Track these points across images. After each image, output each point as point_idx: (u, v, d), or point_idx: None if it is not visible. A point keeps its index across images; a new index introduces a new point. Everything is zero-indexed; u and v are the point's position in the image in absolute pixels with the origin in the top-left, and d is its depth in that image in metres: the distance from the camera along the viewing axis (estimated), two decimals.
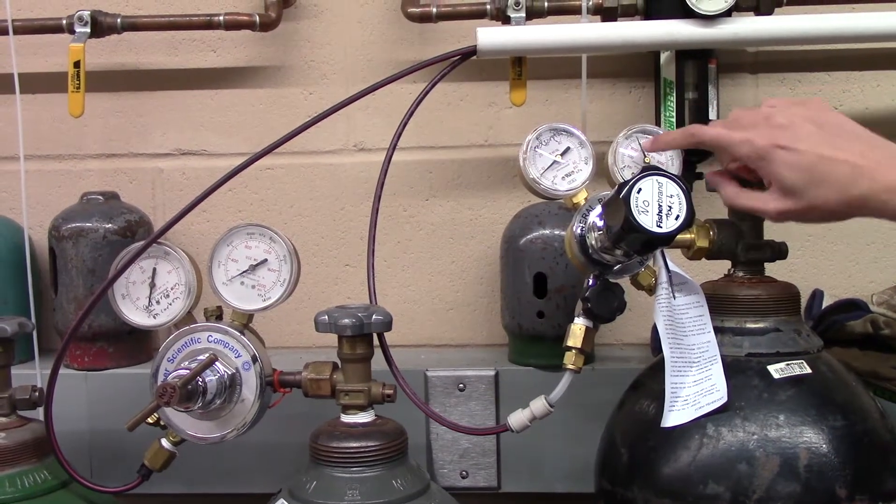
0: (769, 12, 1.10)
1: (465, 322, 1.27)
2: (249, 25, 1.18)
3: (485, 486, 1.14)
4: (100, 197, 1.19)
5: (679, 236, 0.82)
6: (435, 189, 1.26)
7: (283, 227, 1.23)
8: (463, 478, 1.14)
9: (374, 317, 0.91)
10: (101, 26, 1.16)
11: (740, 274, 0.94)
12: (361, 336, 0.92)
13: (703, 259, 0.94)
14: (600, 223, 0.85)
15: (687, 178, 0.94)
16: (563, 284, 1.10)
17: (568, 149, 0.93)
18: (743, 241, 0.93)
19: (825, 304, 1.16)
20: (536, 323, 1.12)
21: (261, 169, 1.26)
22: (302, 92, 1.26)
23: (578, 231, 0.88)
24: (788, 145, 0.78)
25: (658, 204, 0.79)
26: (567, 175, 0.92)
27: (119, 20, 1.17)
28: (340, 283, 1.27)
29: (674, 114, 1.13)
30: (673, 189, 0.79)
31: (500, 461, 1.14)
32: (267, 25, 1.19)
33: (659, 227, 0.78)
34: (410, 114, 1.04)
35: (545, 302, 1.11)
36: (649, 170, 0.80)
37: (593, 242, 0.86)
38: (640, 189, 0.79)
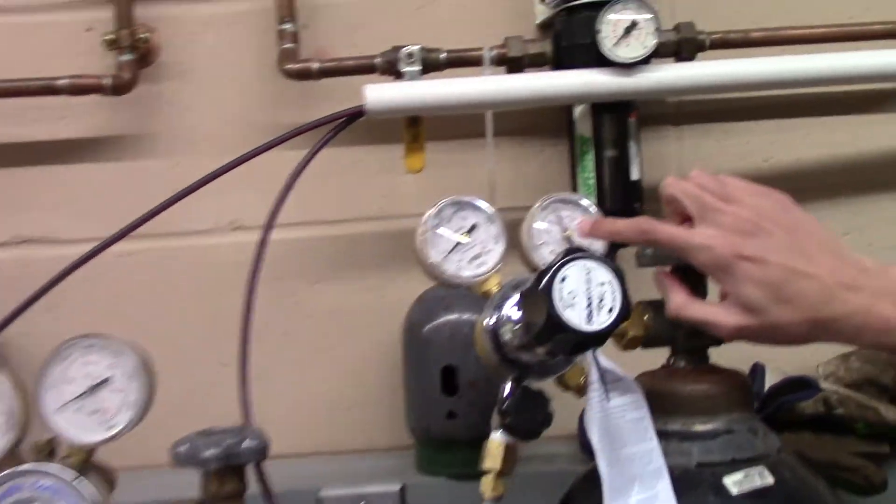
0: (690, 58, 0.98)
1: (366, 424, 1.10)
2: (98, 89, 1.01)
3: None
4: None
5: None
6: (326, 270, 1.10)
7: (146, 322, 1.07)
8: None
9: (245, 443, 0.75)
10: None
11: (682, 364, 0.80)
12: (231, 469, 0.75)
13: (638, 348, 0.80)
14: (517, 316, 0.71)
15: (612, 249, 0.80)
16: (475, 378, 0.95)
17: (474, 226, 0.78)
18: (682, 326, 0.79)
19: (768, 380, 1.03)
20: (447, 425, 0.96)
21: (118, 255, 1.08)
22: (166, 164, 1.09)
23: (491, 325, 0.73)
24: (755, 255, 0.67)
25: (587, 296, 0.64)
26: (475, 258, 0.77)
27: None
28: (218, 386, 1.08)
29: (592, 174, 1.00)
30: (604, 275, 0.65)
31: None
32: (120, 89, 1.02)
33: (589, 323, 0.64)
34: (289, 187, 0.89)
35: (456, 400, 0.95)
36: (574, 252, 0.65)
37: (509, 339, 0.72)
38: (564, 277, 0.64)
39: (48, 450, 0.77)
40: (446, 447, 0.97)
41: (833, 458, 0.93)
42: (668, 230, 0.72)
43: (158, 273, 1.10)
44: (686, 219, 0.73)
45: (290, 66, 1.01)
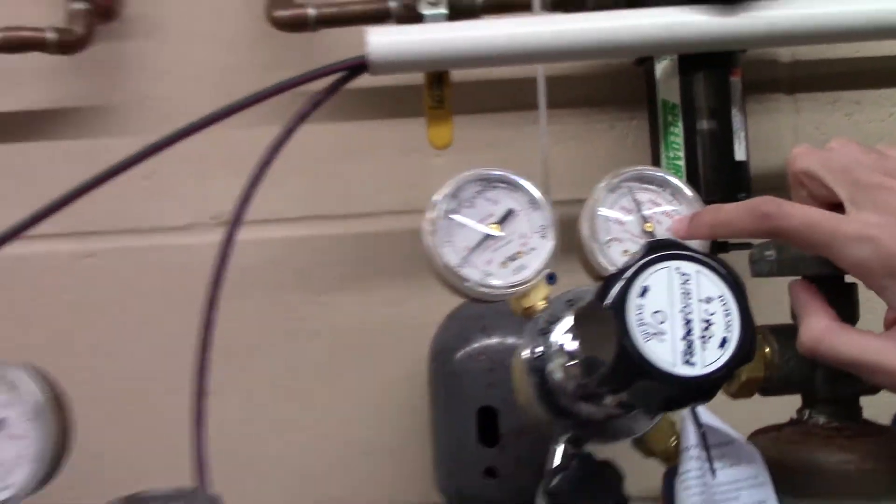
0: None
1: (385, 473, 0.87)
2: (39, 45, 0.79)
3: None
4: None
5: None
6: (335, 278, 0.87)
7: (110, 337, 0.90)
8: None
9: None
10: None
11: (821, 420, 0.55)
12: None
13: (756, 395, 0.55)
14: (574, 348, 0.46)
15: (715, 250, 0.55)
16: (523, 425, 0.70)
17: (510, 212, 0.54)
18: (822, 365, 0.53)
19: None
20: (484, 486, 0.72)
21: (78, 257, 0.87)
22: (135, 142, 0.86)
23: (534, 360, 0.49)
24: None
25: (684, 318, 0.40)
26: (510, 259, 0.53)
27: None
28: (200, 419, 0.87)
29: (680, 153, 0.75)
30: (712, 286, 0.41)
31: None
32: (69, 46, 0.80)
33: (689, 365, 0.39)
34: (265, 163, 0.67)
35: (496, 453, 0.72)
36: (661, 248, 0.41)
37: (560, 380, 0.48)
38: (645, 289, 0.40)
39: None
40: None
41: None
42: (806, 212, 0.47)
43: (126, 278, 0.88)
44: (827, 206, 0.48)
45: (280, 13, 0.78)
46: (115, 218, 0.86)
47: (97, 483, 0.75)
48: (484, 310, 0.76)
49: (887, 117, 0.85)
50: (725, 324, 0.40)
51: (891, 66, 0.85)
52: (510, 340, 0.73)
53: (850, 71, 0.85)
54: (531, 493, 0.70)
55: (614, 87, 0.86)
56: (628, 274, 0.40)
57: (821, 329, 0.48)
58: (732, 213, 0.50)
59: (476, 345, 0.74)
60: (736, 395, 0.55)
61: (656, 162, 0.78)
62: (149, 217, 0.87)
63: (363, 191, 0.88)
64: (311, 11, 0.77)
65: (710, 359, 0.40)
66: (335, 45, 0.84)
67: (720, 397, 0.55)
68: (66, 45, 0.80)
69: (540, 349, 0.49)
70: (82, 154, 0.88)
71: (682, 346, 0.39)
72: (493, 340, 0.74)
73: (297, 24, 0.78)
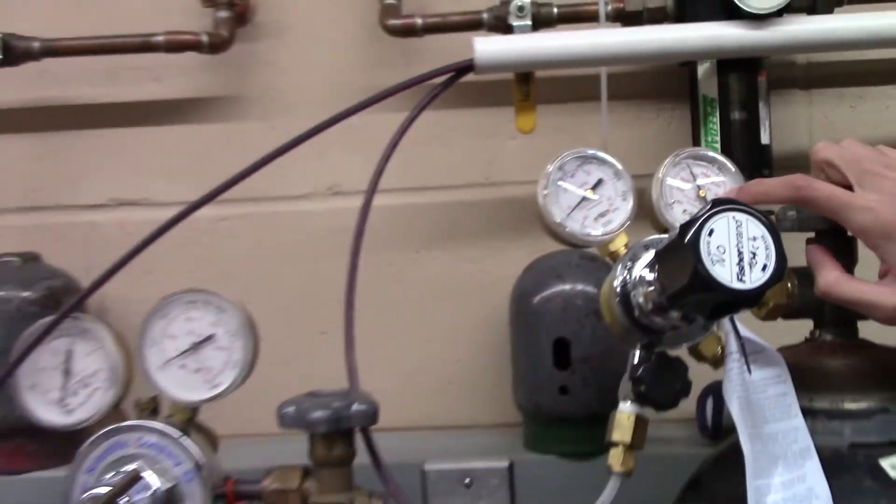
0: (829, 11, 0.90)
1: (468, 399, 1.05)
2: (195, 46, 0.98)
3: None
4: (16, 259, 0.98)
5: None
6: (426, 239, 1.06)
7: (242, 289, 1.03)
8: None
9: (354, 407, 0.71)
10: (13, 52, 0.95)
11: (828, 337, 0.73)
12: (339, 433, 0.70)
13: (779, 319, 0.73)
14: (651, 277, 0.64)
15: None
16: (589, 353, 0.89)
17: (600, 181, 0.72)
18: None
19: None
20: (558, 401, 0.90)
21: (215, 220, 1.05)
22: (263, 126, 1.06)
23: (620, 288, 0.67)
24: None
25: (738, 250, 0.57)
26: (601, 215, 0.71)
27: (36, 44, 0.96)
28: (316, 355, 1.05)
29: (717, 137, 0.93)
30: (757, 229, 0.58)
31: None
32: (217, 47, 0.99)
33: (741, 281, 0.57)
34: (394, 145, 0.84)
35: (568, 375, 0.90)
36: (722, 203, 0.59)
37: (641, 302, 0.65)
38: (712, 230, 0.58)
39: (151, 408, 0.74)
40: (558, 424, 0.91)
41: None
42: (828, 187, 0.65)
43: (254, 238, 1.07)
44: (840, 186, 0.66)
45: (393, 21, 0.96)
46: (245, 188, 0.99)
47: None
48: (557, 262, 0.94)
49: (884, 109, 1.03)
50: (766, 255, 0.58)
51: (887, 68, 1.02)
52: (579, 286, 0.91)
53: (853, 71, 1.02)
54: (595, 406, 0.88)
55: (660, 84, 1.03)
56: (700, 220, 0.58)
57: (832, 279, 0.66)
58: (772, 184, 0.68)
59: (552, 290, 0.91)
60: (765, 318, 0.73)
61: (696, 144, 0.96)
62: (274, 187, 1.04)
63: (451, 167, 1.06)
64: (419, 21, 0.96)
65: (755, 278, 0.57)
66: (424, 48, 1.02)
67: (754, 321, 0.73)
68: (215, 45, 0.99)
69: (625, 280, 0.67)
70: (219, 135, 1.07)
71: (736, 269, 0.57)
72: (566, 286, 0.91)
73: (407, 31, 0.96)
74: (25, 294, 0.95)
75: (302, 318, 1.06)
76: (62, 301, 0.96)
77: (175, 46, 0.97)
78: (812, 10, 0.91)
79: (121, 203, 1.07)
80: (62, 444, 0.96)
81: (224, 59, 1.02)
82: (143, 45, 0.97)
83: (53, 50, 0.96)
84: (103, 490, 0.67)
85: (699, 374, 0.70)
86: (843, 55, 1.01)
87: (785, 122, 1.01)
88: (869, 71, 1.02)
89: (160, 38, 0.96)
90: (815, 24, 0.88)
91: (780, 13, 0.88)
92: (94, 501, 0.66)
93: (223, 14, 0.99)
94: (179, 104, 1.06)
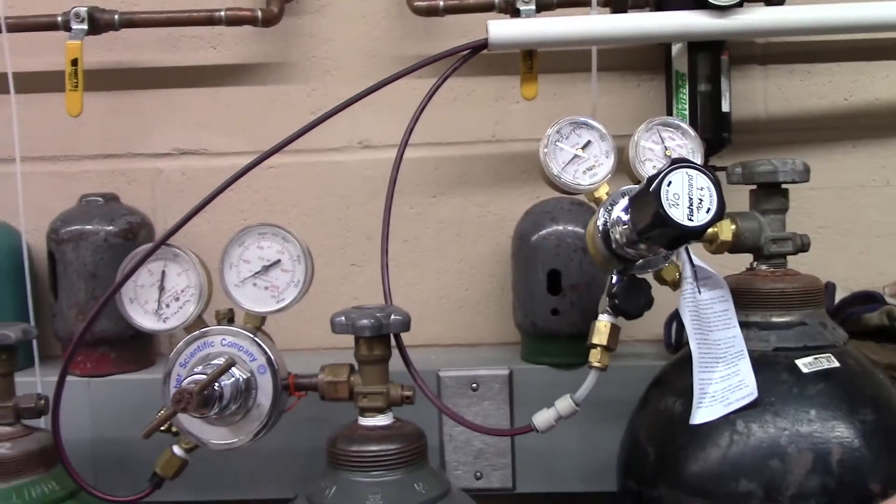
0: (780, 2, 1.09)
1: (474, 321, 1.25)
2: (251, 21, 1.15)
3: (500, 487, 1.12)
4: (99, 199, 1.16)
5: None
6: (442, 186, 1.24)
7: (286, 227, 1.23)
8: (477, 479, 1.12)
9: (392, 317, 0.89)
10: (97, 23, 1.13)
11: (763, 268, 0.93)
12: (380, 337, 0.89)
13: (726, 253, 0.92)
14: (626, 217, 0.83)
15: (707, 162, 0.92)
16: (577, 282, 1.09)
17: (588, 142, 0.91)
18: (766, 235, 0.91)
19: (838, 296, 1.15)
20: (551, 321, 1.10)
21: (263, 168, 1.20)
22: (304, 89, 1.24)
23: (602, 226, 0.86)
24: None
25: (689, 197, 0.77)
26: (588, 169, 0.90)
27: (117, 17, 1.14)
28: (347, 282, 1.24)
29: (686, 106, 1.11)
30: (703, 181, 0.77)
31: (515, 462, 1.12)
32: (269, 21, 1.16)
33: (690, 220, 0.76)
34: (421, 110, 1.02)
35: (559, 299, 1.09)
36: (678, 162, 0.78)
37: (618, 237, 0.85)
38: (670, 182, 0.77)
39: (228, 317, 0.93)
40: (549, 339, 1.11)
41: (891, 362, 1.05)
42: None
43: (297, 184, 1.25)
44: None
45: (419, 3, 1.14)
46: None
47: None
48: (551, 207, 1.13)
49: (828, 82, 1.21)
50: (710, 201, 0.76)
51: (832, 47, 1.20)
52: (570, 227, 1.09)
53: (804, 50, 1.20)
54: (581, 325, 1.07)
55: (641, 59, 1.21)
56: (662, 174, 0.77)
57: None
58: None
59: (547, 230, 1.10)
60: (715, 252, 0.92)
61: (669, 111, 1.14)
62: (314, 141, 1.19)
63: (464, 126, 1.24)
64: (441, 3, 1.13)
65: (701, 218, 0.76)
66: (444, 25, 1.20)
67: (706, 254, 0.92)
68: (267, 20, 1.16)
69: (606, 219, 0.86)
70: (266, 96, 1.24)
71: (687, 211, 0.76)
72: (559, 227, 1.09)
73: (431, 11, 1.14)
74: (109, 228, 1.13)
75: (336, 252, 1.25)
76: (139, 234, 1.15)
77: (234, 20, 1.15)
78: (768, 0, 1.09)
79: (182, 152, 1.25)
80: (136, 353, 1.18)
81: (272, 30, 1.19)
82: (208, 19, 1.14)
83: (131, 21, 1.14)
84: (201, 376, 0.85)
85: (661, 297, 0.89)
86: (795, 37, 1.19)
87: (744, 92, 1.20)
88: (817, 50, 1.20)
89: (222, 14, 1.14)
90: (770, 14, 1.07)
91: (740, 4, 1.06)
92: (195, 383, 0.84)
93: None
94: (232, 69, 1.23)
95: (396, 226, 1.21)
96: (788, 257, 0.92)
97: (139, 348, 1.17)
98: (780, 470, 0.81)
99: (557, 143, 0.90)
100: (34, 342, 1.09)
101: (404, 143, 1.01)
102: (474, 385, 1.11)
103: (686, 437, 0.85)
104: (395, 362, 0.92)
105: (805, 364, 0.86)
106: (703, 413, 0.84)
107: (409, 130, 1.01)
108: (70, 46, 1.10)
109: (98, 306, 0.91)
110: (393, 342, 0.91)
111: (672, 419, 0.87)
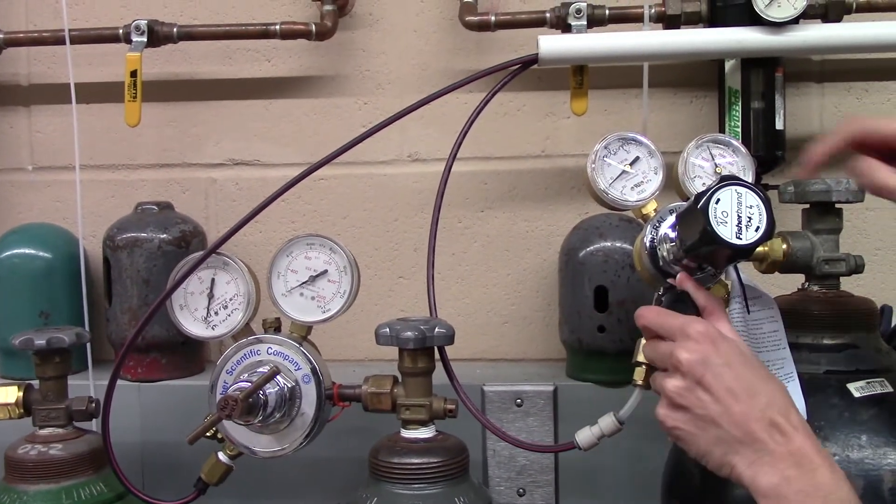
0: (838, 19, 1.07)
1: (520, 336, 1.25)
2: (305, 34, 1.17)
3: None
4: (154, 207, 1.18)
5: None
6: (490, 200, 1.24)
7: (335, 237, 1.24)
8: (520, 495, 1.11)
9: (436, 330, 0.89)
10: (157, 35, 1.16)
11: (815, 288, 0.91)
12: (423, 349, 0.90)
13: (776, 273, 0.91)
14: (673, 234, 0.83)
15: (759, 181, 0.91)
16: (624, 298, 1.08)
17: (637, 158, 0.90)
18: (818, 255, 0.90)
19: (894, 320, 1.12)
20: (597, 338, 1.09)
21: (314, 179, 1.23)
22: (356, 102, 1.25)
23: (649, 243, 0.86)
24: None
25: (737, 215, 0.76)
26: (636, 185, 0.90)
27: (175, 29, 1.16)
28: (394, 295, 1.25)
29: (739, 123, 1.10)
30: (753, 199, 0.76)
31: (559, 479, 1.11)
32: (322, 34, 1.18)
33: (738, 238, 0.75)
34: (470, 123, 1.02)
35: (606, 316, 1.09)
36: (727, 179, 0.77)
37: (665, 254, 0.84)
38: (718, 199, 0.76)
39: (275, 326, 0.94)
40: (595, 356, 1.10)
41: None
42: None
43: (347, 196, 1.26)
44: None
45: (471, 18, 1.15)
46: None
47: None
48: (599, 223, 1.12)
49: (886, 101, 1.19)
50: (759, 219, 0.75)
51: (889, 66, 1.17)
52: (618, 244, 1.09)
53: (861, 68, 1.18)
54: (627, 342, 1.06)
55: (694, 75, 1.20)
56: (710, 191, 0.76)
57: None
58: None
59: (595, 246, 1.10)
60: (765, 271, 0.91)
61: (722, 128, 1.13)
62: (364, 154, 1.23)
63: (513, 141, 1.24)
64: (493, 18, 1.14)
65: (750, 237, 0.75)
66: (495, 39, 1.20)
67: (756, 273, 0.91)
68: (321, 34, 1.18)
69: (653, 236, 0.85)
70: (319, 108, 1.26)
71: (735, 229, 0.75)
72: (607, 243, 1.09)
73: (483, 26, 1.14)
74: (163, 236, 1.15)
75: (384, 264, 1.25)
76: (191, 242, 1.17)
77: (289, 34, 1.16)
78: (824, 17, 1.08)
79: (236, 163, 1.27)
80: (185, 359, 1.19)
81: (325, 43, 1.21)
82: (263, 33, 1.16)
83: (189, 34, 1.16)
84: (246, 384, 0.87)
85: None
86: (852, 54, 1.16)
87: (800, 109, 1.18)
88: (874, 68, 1.18)
89: (277, 27, 1.16)
90: (825, 31, 1.05)
91: (796, 20, 1.05)
92: (241, 391, 0.85)
93: (328, 7, 1.17)
94: (286, 81, 1.25)
95: (444, 239, 1.23)
96: (842, 279, 0.91)
97: (189, 355, 1.19)
98: None
99: (605, 159, 0.89)
100: (88, 346, 1.12)
101: (453, 157, 1.01)
102: (518, 401, 1.11)
103: None
104: (439, 375, 0.92)
105: (857, 388, 0.84)
106: None
107: (458, 144, 1.02)
108: (130, 58, 1.13)
109: (149, 312, 0.93)
110: (437, 355, 0.92)
111: None
